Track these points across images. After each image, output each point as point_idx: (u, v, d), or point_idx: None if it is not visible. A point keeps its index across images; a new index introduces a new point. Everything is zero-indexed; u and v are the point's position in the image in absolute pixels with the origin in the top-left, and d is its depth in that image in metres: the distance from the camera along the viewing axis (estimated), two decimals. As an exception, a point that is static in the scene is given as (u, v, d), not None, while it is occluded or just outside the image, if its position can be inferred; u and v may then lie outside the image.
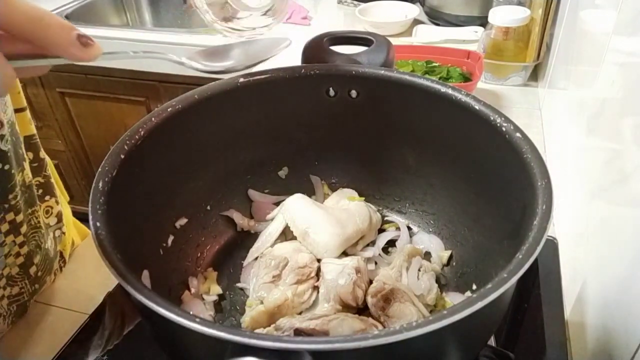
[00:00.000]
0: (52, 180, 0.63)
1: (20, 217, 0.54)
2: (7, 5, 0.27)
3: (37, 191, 0.59)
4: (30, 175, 0.56)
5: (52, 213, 0.62)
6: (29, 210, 0.56)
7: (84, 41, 0.30)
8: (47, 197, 0.61)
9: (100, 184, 0.40)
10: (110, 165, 0.42)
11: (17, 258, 0.55)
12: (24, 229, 0.55)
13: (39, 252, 0.58)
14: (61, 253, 0.65)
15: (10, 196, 0.52)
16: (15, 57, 0.28)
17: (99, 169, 0.42)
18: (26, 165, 0.56)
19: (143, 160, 0.46)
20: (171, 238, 0.53)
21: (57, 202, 0.64)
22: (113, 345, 0.52)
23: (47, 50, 0.29)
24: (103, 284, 0.58)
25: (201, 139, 0.54)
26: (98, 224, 0.37)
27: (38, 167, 0.60)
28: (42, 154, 0.61)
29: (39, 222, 0.58)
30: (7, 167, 0.51)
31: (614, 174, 0.51)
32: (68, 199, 0.72)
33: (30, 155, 0.58)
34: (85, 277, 0.64)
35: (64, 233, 0.65)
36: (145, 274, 0.45)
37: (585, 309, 0.52)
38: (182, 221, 0.55)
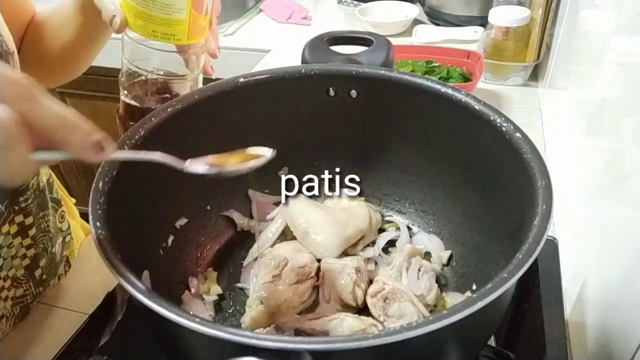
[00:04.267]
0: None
1: (29, 220, 0.54)
2: (40, 108, 0.29)
3: (57, 195, 0.59)
4: (44, 179, 0.56)
5: (66, 218, 0.62)
6: (40, 214, 0.56)
7: (101, 146, 0.32)
8: (63, 202, 0.62)
9: (100, 184, 0.40)
10: (110, 165, 0.42)
11: (23, 260, 0.55)
12: (32, 231, 0.55)
13: (46, 255, 0.58)
14: (67, 258, 0.65)
15: (21, 199, 0.52)
16: (34, 149, 0.29)
17: (99, 169, 0.42)
18: (41, 169, 0.56)
19: (143, 160, 0.46)
20: (171, 238, 0.53)
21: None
22: (122, 315, 0.51)
23: (66, 149, 0.31)
24: (104, 284, 0.58)
25: (201, 138, 0.54)
26: (98, 224, 0.37)
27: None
28: None
29: (48, 226, 0.58)
30: None
31: (614, 174, 0.51)
32: (74, 200, 0.72)
33: None
34: (86, 277, 0.64)
35: (72, 238, 0.65)
36: (145, 274, 0.45)
37: (585, 309, 0.52)
38: (182, 221, 0.55)
